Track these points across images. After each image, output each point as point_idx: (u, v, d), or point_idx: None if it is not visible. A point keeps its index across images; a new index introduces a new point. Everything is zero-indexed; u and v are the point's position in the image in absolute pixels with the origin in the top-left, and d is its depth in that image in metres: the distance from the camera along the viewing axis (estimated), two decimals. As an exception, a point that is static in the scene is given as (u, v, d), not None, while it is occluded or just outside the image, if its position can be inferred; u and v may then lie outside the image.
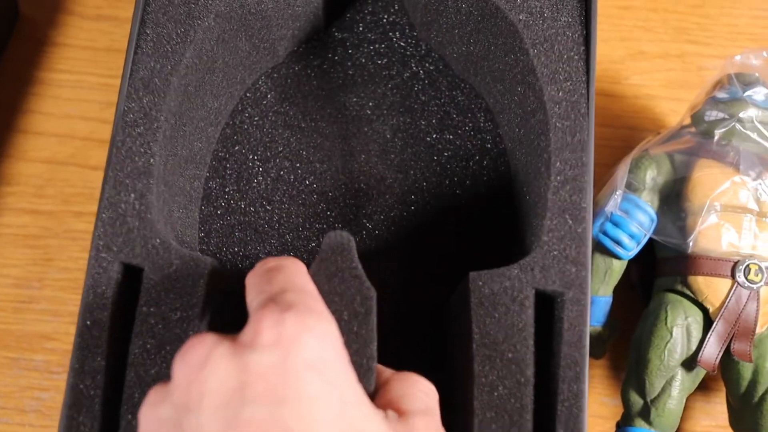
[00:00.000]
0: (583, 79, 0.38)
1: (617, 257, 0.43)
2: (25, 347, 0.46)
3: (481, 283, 0.35)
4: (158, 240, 0.35)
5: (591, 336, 0.44)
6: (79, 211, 0.49)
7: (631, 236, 0.42)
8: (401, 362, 0.40)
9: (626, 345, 0.45)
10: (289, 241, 0.44)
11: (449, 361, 0.40)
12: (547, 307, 0.36)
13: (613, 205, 0.42)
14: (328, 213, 0.45)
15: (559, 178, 0.37)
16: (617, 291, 0.46)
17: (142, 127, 0.37)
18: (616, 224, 0.42)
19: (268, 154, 0.46)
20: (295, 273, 0.29)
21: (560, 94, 0.38)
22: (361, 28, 0.49)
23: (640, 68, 0.54)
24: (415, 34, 0.49)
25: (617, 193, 0.42)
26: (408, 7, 0.49)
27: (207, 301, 0.34)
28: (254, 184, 0.45)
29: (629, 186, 0.44)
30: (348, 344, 0.31)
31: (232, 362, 0.25)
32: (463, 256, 0.44)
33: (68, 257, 0.48)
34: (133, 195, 0.36)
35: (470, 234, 0.44)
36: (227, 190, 0.45)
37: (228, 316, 0.37)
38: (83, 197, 0.49)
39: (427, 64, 0.48)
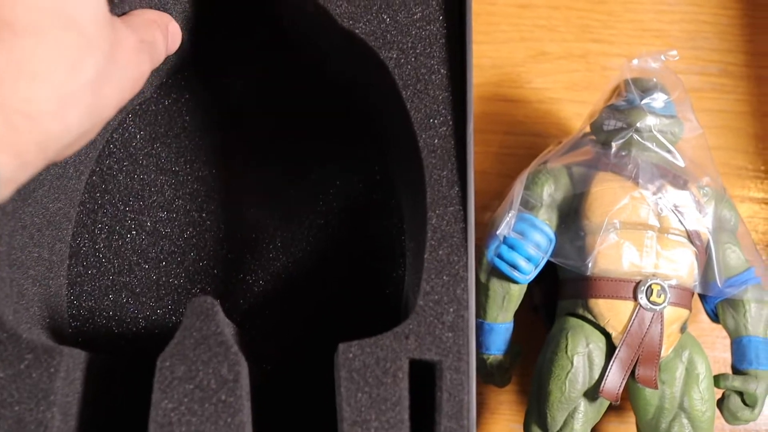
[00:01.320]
0: (462, 120, 0.35)
1: (515, 282, 0.40)
2: None
3: (351, 355, 0.32)
4: (4, 334, 0.31)
5: (492, 365, 0.41)
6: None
7: (529, 259, 0.39)
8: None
9: (533, 367, 0.43)
10: (169, 304, 0.41)
11: None
12: (427, 375, 0.34)
13: (506, 228, 0.39)
14: (210, 270, 0.41)
15: (436, 235, 0.34)
16: (519, 313, 0.43)
17: None
18: (511, 247, 0.39)
19: (141, 204, 0.42)
20: None
21: (436, 141, 0.35)
22: (233, 54, 0.44)
23: (543, 70, 0.51)
24: (293, 55, 0.45)
25: (509, 214, 0.39)
26: (288, 27, 0.44)
27: (67, 395, 0.31)
28: (128, 240, 0.41)
29: (526, 204, 0.41)
30: (216, 414, 0.30)
31: None
32: (348, 314, 0.41)
33: None
34: None
35: (354, 289, 0.41)
36: (98, 246, 0.41)
37: (101, 408, 0.34)
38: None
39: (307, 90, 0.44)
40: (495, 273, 0.40)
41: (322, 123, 0.43)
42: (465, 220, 0.34)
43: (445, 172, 0.35)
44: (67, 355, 0.31)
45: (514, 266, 0.39)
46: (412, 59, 0.36)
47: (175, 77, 0.44)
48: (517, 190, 0.41)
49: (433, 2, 0.37)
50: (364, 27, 0.36)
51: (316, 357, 0.39)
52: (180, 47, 0.42)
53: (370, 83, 0.39)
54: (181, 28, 0.41)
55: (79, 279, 0.40)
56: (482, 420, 0.45)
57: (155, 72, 0.42)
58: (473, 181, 0.35)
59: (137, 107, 0.43)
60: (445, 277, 0.34)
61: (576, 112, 0.51)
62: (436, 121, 0.35)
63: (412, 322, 0.33)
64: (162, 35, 0.35)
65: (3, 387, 0.30)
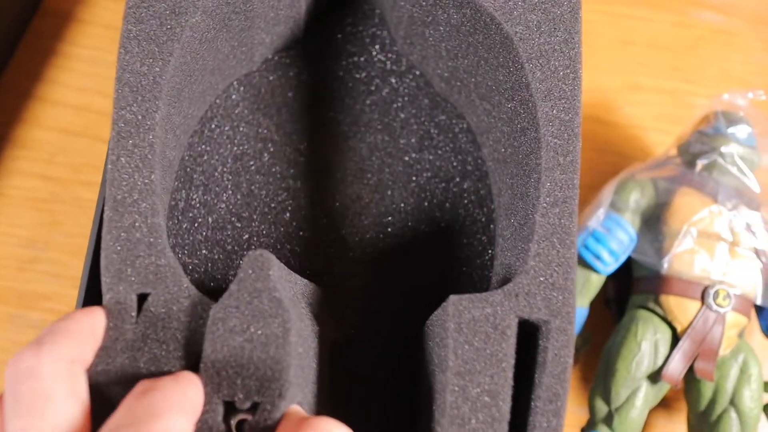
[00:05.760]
0: (578, 97, 0.37)
1: (596, 271, 0.45)
2: (25, 305, 0.48)
3: (461, 307, 0.33)
4: (170, 270, 0.32)
5: (564, 344, 0.46)
6: (87, 180, 0.51)
7: (611, 252, 0.45)
8: (360, 392, 0.39)
9: (596, 357, 0.48)
10: None
11: (418, 394, 0.38)
12: (529, 336, 0.34)
13: (596, 222, 0.45)
14: (301, 233, 0.43)
15: (548, 199, 0.35)
16: (593, 306, 0.48)
17: (136, 138, 0.34)
18: (597, 240, 0.45)
19: (239, 167, 0.43)
20: (163, 400, 0.27)
21: (554, 111, 0.36)
22: (339, 39, 0.47)
23: (634, 100, 0.57)
24: (396, 48, 0.47)
25: (600, 210, 0.45)
26: (390, 20, 0.46)
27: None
28: (223, 199, 0.42)
29: (613, 206, 0.46)
30: (264, 369, 0.30)
31: None
32: (440, 282, 0.42)
33: (74, 223, 0.50)
34: (137, 217, 0.33)
35: (448, 258, 0.43)
36: (194, 203, 0.42)
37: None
38: (93, 168, 0.52)
39: (407, 80, 0.46)
40: (579, 261, 0.45)
41: (418, 112, 0.46)
42: (576, 187, 0.35)
43: (560, 141, 0.36)
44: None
45: (597, 257, 0.45)
46: (537, 36, 0.37)
47: (281, 55, 0.46)
48: (607, 193, 0.46)
49: None
50: (493, 2, 0.38)
51: (397, 324, 0.41)
52: (293, 26, 0.45)
53: (478, 65, 0.41)
54: (300, 6, 0.42)
55: (173, 232, 0.41)
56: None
57: (263, 47, 0.45)
58: (580, 154, 0.37)
59: (243, 78, 0.45)
60: (555, 240, 0.34)
61: (659, 140, 0.56)
62: (555, 93, 0.37)
63: (522, 280, 0.34)
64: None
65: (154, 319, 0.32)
